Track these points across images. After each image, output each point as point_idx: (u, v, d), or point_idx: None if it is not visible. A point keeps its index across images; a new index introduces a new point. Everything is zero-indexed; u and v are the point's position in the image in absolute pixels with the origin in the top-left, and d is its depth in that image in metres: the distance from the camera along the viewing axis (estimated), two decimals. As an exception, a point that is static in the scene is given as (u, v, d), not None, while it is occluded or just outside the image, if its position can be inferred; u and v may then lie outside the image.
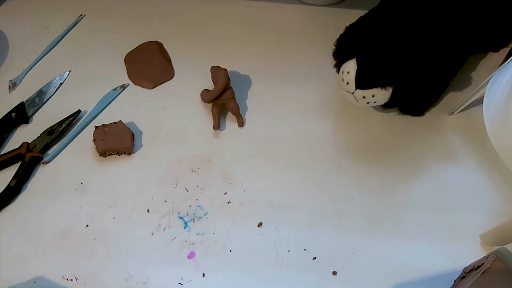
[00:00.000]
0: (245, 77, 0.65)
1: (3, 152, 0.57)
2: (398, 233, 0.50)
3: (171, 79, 0.65)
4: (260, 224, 0.51)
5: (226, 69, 0.58)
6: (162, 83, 0.65)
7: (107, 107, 0.62)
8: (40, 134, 0.59)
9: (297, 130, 0.59)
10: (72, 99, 0.63)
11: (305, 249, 0.49)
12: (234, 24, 0.72)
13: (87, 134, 0.60)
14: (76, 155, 0.58)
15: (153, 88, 0.64)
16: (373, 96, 0.50)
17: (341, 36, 0.62)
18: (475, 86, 0.55)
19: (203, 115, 0.61)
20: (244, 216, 0.52)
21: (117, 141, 0.55)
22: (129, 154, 0.56)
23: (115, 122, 0.57)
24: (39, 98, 0.63)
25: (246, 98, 0.63)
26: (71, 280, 0.48)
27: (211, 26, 0.72)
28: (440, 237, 0.50)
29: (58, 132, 0.59)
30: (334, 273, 0.48)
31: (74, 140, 0.59)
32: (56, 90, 0.65)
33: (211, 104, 0.59)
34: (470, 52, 0.59)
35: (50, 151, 0.58)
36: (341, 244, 0.50)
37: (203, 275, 0.48)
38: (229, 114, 0.61)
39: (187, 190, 0.54)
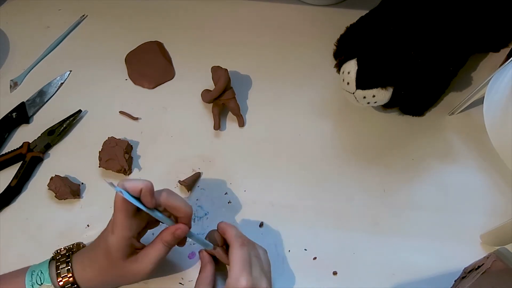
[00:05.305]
0: (246, 77, 0.65)
1: (3, 152, 0.58)
2: (398, 233, 0.50)
3: (171, 79, 0.65)
4: (261, 224, 0.51)
5: (226, 69, 0.58)
6: (163, 83, 0.65)
7: (107, 107, 0.62)
8: (41, 134, 0.59)
9: (297, 130, 0.59)
10: (73, 99, 0.63)
11: (305, 249, 0.49)
12: (234, 24, 0.72)
13: (88, 134, 0.60)
14: (77, 155, 0.58)
15: (153, 88, 0.64)
16: (374, 96, 0.50)
17: (341, 36, 0.62)
18: (475, 86, 0.55)
19: (204, 115, 0.61)
20: (245, 216, 0.52)
21: (115, 163, 0.55)
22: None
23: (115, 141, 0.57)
24: (40, 98, 0.63)
25: (246, 98, 0.63)
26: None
27: (212, 26, 0.72)
28: (440, 237, 0.50)
29: (58, 132, 0.59)
30: (335, 273, 0.48)
31: (75, 140, 0.59)
32: (57, 90, 0.65)
33: (211, 104, 0.59)
34: (471, 52, 0.59)
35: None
36: (341, 244, 0.50)
37: (204, 275, 0.48)
38: (230, 114, 0.61)
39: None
